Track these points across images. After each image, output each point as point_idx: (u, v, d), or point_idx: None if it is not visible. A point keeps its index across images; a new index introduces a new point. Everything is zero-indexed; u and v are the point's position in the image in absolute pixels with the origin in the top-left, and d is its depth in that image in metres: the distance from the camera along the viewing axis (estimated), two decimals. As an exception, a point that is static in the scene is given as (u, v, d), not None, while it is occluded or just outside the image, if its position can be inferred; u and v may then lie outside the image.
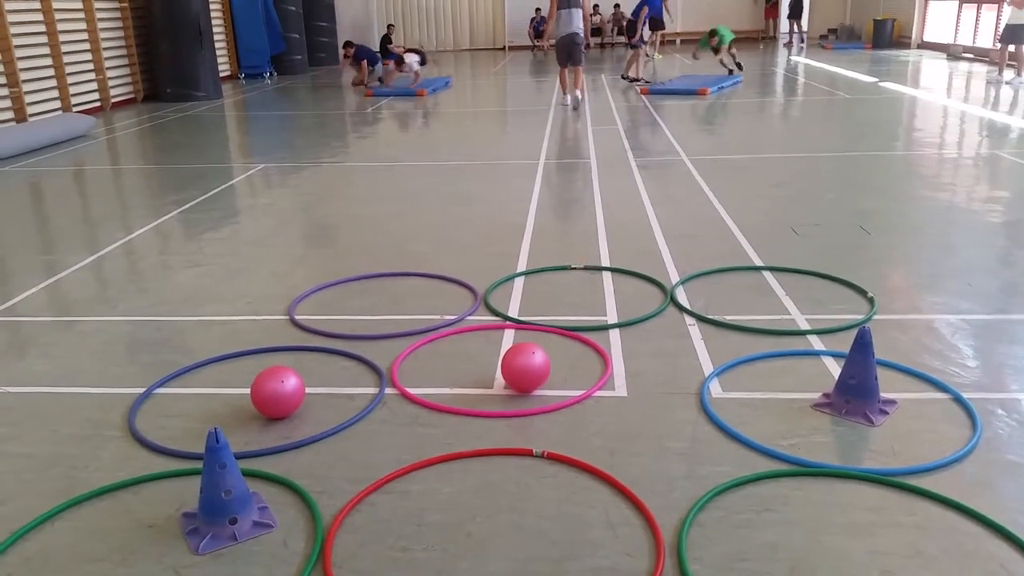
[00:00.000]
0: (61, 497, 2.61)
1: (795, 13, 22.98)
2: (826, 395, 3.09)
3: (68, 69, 11.63)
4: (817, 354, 3.50)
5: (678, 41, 24.04)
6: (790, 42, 23.10)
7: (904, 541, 2.30)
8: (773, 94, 13.39)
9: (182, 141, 9.98)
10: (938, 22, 20.10)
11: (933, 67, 16.19)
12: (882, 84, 13.39)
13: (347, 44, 15.07)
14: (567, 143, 9.06)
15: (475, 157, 8.41)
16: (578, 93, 11.46)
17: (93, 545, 2.39)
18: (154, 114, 12.28)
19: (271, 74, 17.41)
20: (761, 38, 25.10)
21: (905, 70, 15.71)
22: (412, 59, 13.40)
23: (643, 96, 12.57)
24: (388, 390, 3.29)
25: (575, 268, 4.69)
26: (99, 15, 12.55)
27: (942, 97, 11.95)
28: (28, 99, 10.69)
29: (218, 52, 15.33)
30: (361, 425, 3.04)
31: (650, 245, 5.09)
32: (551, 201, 6.49)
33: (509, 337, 3.79)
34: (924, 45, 20.40)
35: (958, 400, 3.05)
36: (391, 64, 13.85)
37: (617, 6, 23.88)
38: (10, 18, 10.37)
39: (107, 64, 12.76)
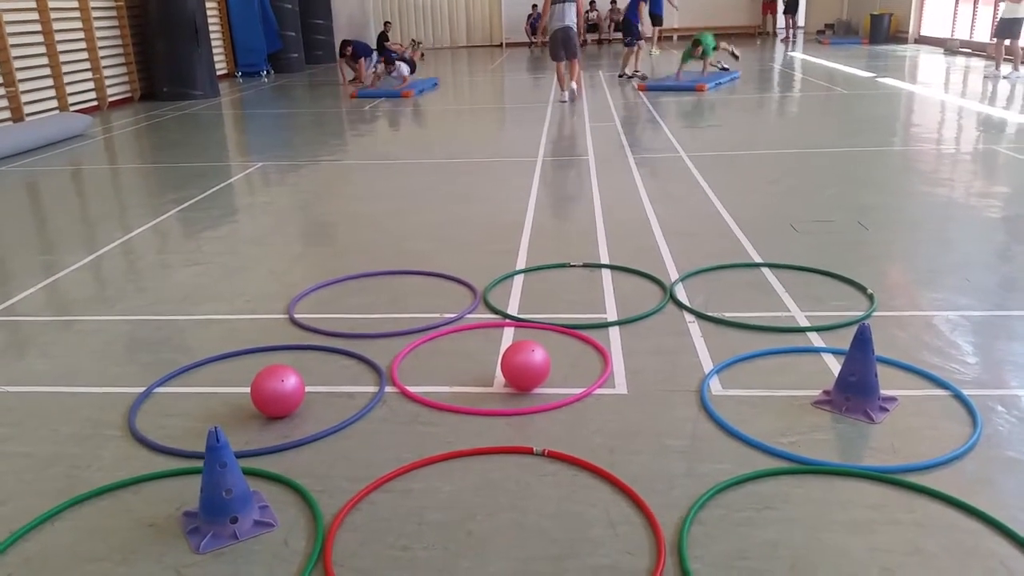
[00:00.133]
0: (61, 497, 2.61)
1: (791, 8, 23.00)
2: (826, 392, 3.09)
3: (64, 68, 11.60)
4: (817, 351, 3.50)
5: (675, 37, 24.02)
6: (787, 37, 23.10)
7: (904, 538, 2.30)
8: (771, 90, 13.39)
9: (180, 140, 9.97)
10: (935, 17, 20.11)
11: (930, 62, 16.19)
12: (879, 79, 13.39)
13: (345, 43, 15.03)
14: (565, 140, 9.06)
15: (473, 155, 8.41)
16: (574, 85, 11.57)
17: (93, 545, 2.39)
18: (151, 113, 12.26)
19: (268, 72, 17.39)
20: (758, 33, 25.09)
21: (902, 65, 15.71)
22: (403, 68, 13.27)
23: (640, 93, 12.56)
24: (388, 388, 3.29)
25: (574, 266, 4.69)
26: (95, 14, 12.52)
27: (939, 92, 11.95)
28: (25, 99, 10.66)
29: (215, 50, 15.31)
30: (361, 424, 3.04)
31: (649, 242, 5.09)
32: (550, 198, 6.49)
33: (509, 335, 3.79)
34: (921, 40, 20.40)
35: (958, 397, 3.05)
36: (380, 67, 13.69)
37: (614, 2, 23.84)
38: (6, 17, 10.34)
39: (103, 63, 12.73)
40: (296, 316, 4.06)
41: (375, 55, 15.63)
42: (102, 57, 12.68)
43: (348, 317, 4.08)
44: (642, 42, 14.63)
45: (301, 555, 2.32)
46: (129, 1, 13.45)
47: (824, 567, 2.21)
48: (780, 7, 23.64)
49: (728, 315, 3.87)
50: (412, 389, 3.25)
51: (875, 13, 20.97)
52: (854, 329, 3.00)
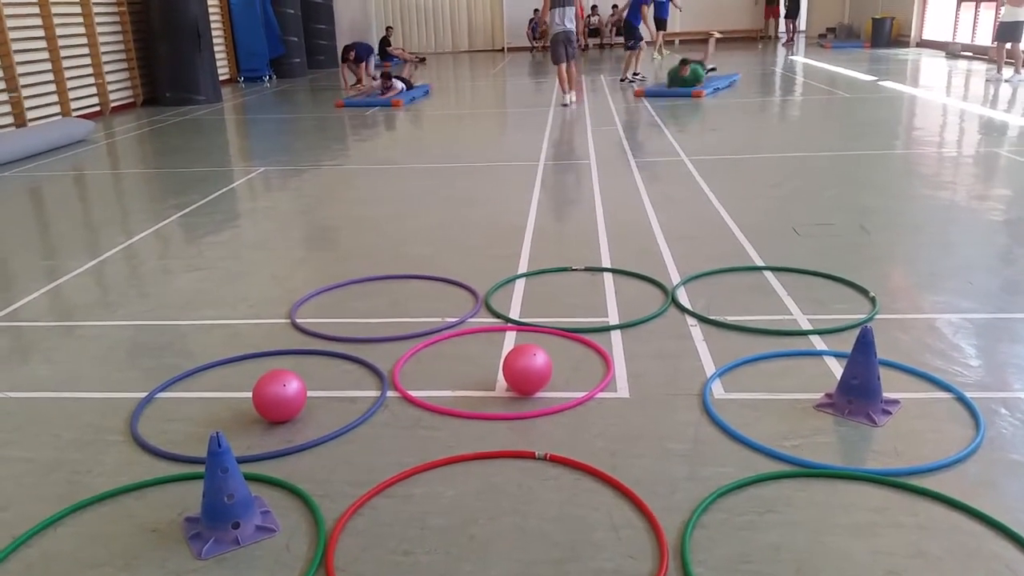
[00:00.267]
0: (63, 502, 2.61)
1: (792, 12, 23.02)
2: (828, 395, 3.08)
3: (67, 74, 11.63)
4: (819, 354, 3.50)
5: (677, 42, 24.04)
6: (789, 41, 23.12)
7: (907, 541, 2.30)
8: (772, 94, 13.39)
9: (182, 145, 9.98)
10: (937, 20, 20.10)
11: (932, 65, 16.18)
12: (881, 83, 13.39)
13: (347, 48, 15.01)
14: (567, 144, 9.06)
15: (475, 159, 8.41)
16: (573, 94, 11.87)
17: (95, 550, 2.39)
18: (153, 118, 12.28)
19: (270, 77, 17.41)
20: (760, 37, 25.11)
21: (904, 69, 15.71)
22: (398, 84, 13.14)
23: (640, 98, 12.51)
24: (390, 393, 3.29)
25: (576, 269, 4.69)
26: (98, 20, 12.55)
27: (941, 95, 11.94)
28: (27, 104, 10.69)
29: (217, 56, 15.33)
30: (363, 428, 3.04)
31: (651, 246, 5.09)
32: (551, 202, 6.49)
33: (510, 339, 3.78)
34: (923, 43, 20.39)
35: (961, 400, 3.04)
36: (377, 83, 13.53)
37: (615, 7, 23.87)
38: (9, 23, 10.37)
39: (106, 68, 12.76)
40: (298, 321, 4.06)
41: (375, 58, 15.61)
42: (105, 62, 12.71)
43: (350, 321, 4.08)
44: (643, 43, 14.59)
45: (303, 560, 2.32)
46: (132, 6, 13.48)
47: (827, 571, 2.20)
48: (782, 11, 23.65)
49: (730, 318, 3.87)
50: (414, 393, 3.25)
51: (877, 17, 20.96)
52: (856, 332, 3.00)
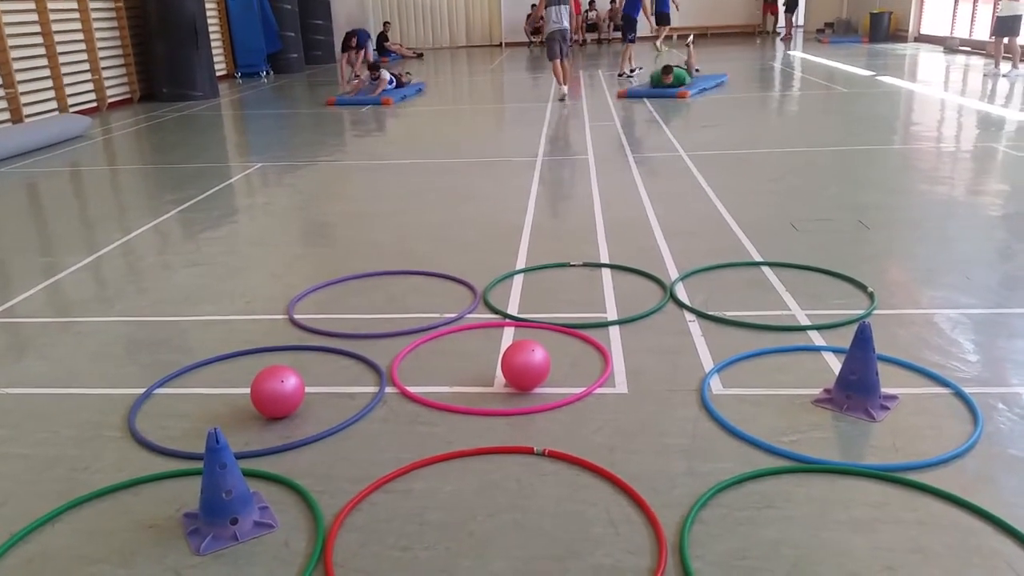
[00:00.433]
0: (61, 498, 2.61)
1: (791, 7, 23.00)
2: (827, 391, 3.08)
3: (64, 70, 11.60)
4: (817, 350, 3.50)
5: (675, 37, 24.00)
6: (787, 35, 23.10)
7: (906, 537, 2.30)
8: (770, 89, 13.37)
9: (179, 141, 9.96)
10: (935, 15, 20.09)
11: (930, 60, 16.18)
12: (879, 78, 13.38)
13: (349, 35, 14.81)
14: (565, 140, 9.05)
15: (473, 154, 8.40)
16: (565, 88, 12.06)
17: (94, 546, 2.39)
18: (151, 114, 12.26)
19: (267, 73, 17.38)
20: (758, 32, 25.08)
21: (902, 64, 15.70)
22: (385, 75, 12.99)
23: (622, 99, 12.19)
24: (388, 389, 3.28)
25: (574, 265, 4.68)
26: (94, 15, 12.52)
27: (939, 91, 11.94)
28: (24, 100, 10.66)
29: (214, 51, 15.31)
30: (361, 424, 3.03)
31: (649, 241, 5.09)
32: (549, 198, 6.49)
33: (509, 335, 3.78)
34: (921, 38, 20.38)
35: (959, 395, 3.04)
36: (365, 74, 13.20)
37: (613, 1, 23.83)
38: (5, 19, 10.34)
39: (103, 64, 12.73)
40: (296, 316, 4.05)
41: (373, 52, 15.50)
42: (101, 58, 12.68)
43: (348, 317, 4.07)
44: (633, 35, 14.52)
45: (302, 556, 2.31)
46: (128, 2, 13.45)
47: (826, 566, 2.20)
48: (781, 6, 23.62)
49: (728, 314, 3.86)
50: (412, 389, 3.25)
51: (875, 11, 20.94)
52: (855, 327, 3.00)
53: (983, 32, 17.12)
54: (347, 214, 6.24)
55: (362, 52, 14.74)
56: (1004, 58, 12.94)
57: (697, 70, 13.39)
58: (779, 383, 3.21)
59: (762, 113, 10.82)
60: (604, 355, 3.49)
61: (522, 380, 3.19)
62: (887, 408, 2.96)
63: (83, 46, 12.29)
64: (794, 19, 23.26)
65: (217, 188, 7.16)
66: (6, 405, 3.29)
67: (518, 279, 4.52)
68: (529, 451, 2.78)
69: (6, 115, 10.40)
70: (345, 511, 2.48)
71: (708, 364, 3.38)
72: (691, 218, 5.61)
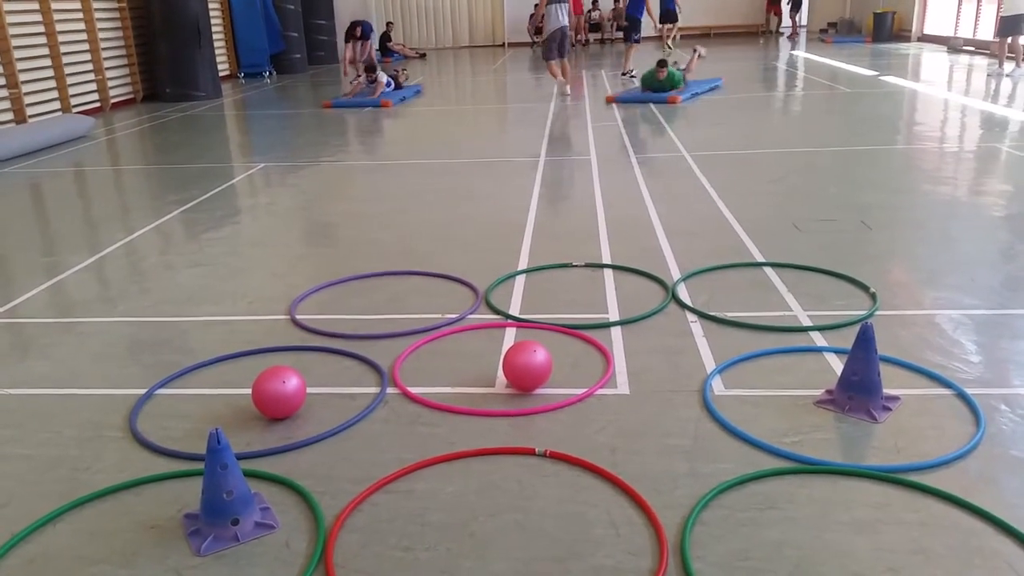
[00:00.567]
0: (63, 499, 2.61)
1: (795, 7, 22.99)
2: (829, 392, 3.08)
3: (67, 70, 11.62)
4: (819, 350, 3.49)
5: (678, 36, 23.99)
6: (793, 34, 23.07)
7: (908, 538, 2.29)
8: (773, 89, 13.36)
9: (182, 141, 9.98)
10: (938, 15, 20.06)
11: (933, 60, 16.16)
12: (882, 78, 13.36)
13: (354, 24, 14.70)
14: (567, 139, 9.05)
15: (475, 155, 8.40)
16: (568, 88, 12.27)
17: (95, 547, 2.39)
18: (154, 114, 12.27)
19: (270, 73, 17.39)
20: (761, 32, 25.06)
21: (905, 63, 15.68)
22: (382, 76, 12.89)
23: (611, 103, 11.95)
24: (389, 389, 3.28)
25: (576, 265, 4.68)
26: (98, 16, 12.54)
27: (943, 90, 11.92)
28: (27, 100, 10.67)
29: (217, 51, 15.32)
30: (363, 425, 3.03)
31: (651, 242, 5.08)
32: (551, 198, 6.48)
33: (510, 335, 3.78)
34: (924, 38, 20.36)
35: (961, 396, 3.04)
36: (362, 77, 12.99)
37: (617, 1, 23.83)
38: (9, 19, 10.36)
39: (106, 65, 12.75)
40: (298, 317, 4.05)
41: (377, 53, 15.43)
42: (105, 58, 12.70)
43: (349, 318, 4.07)
44: (638, 35, 14.52)
45: (303, 557, 2.31)
46: (132, 2, 13.46)
47: (828, 567, 2.20)
48: (785, 5, 23.59)
49: (730, 315, 3.86)
50: (414, 390, 3.25)
51: (878, 11, 20.91)
52: (857, 328, 3.00)
53: (987, 32, 17.10)
54: (349, 214, 6.24)
55: (368, 43, 14.69)
56: (1008, 58, 12.91)
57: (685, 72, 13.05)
58: (781, 384, 3.21)
59: (765, 113, 10.80)
60: (606, 356, 3.48)
61: (524, 381, 3.19)
62: (889, 409, 2.96)
63: (86, 46, 12.31)
64: (798, 19, 23.23)
65: (220, 188, 7.16)
66: (8, 405, 3.29)
67: (520, 279, 4.51)
68: (530, 452, 2.78)
69: (9, 115, 10.41)
70: (346, 512, 2.48)
71: (710, 365, 3.38)
72: (693, 218, 5.61)
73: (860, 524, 2.36)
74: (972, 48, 17.43)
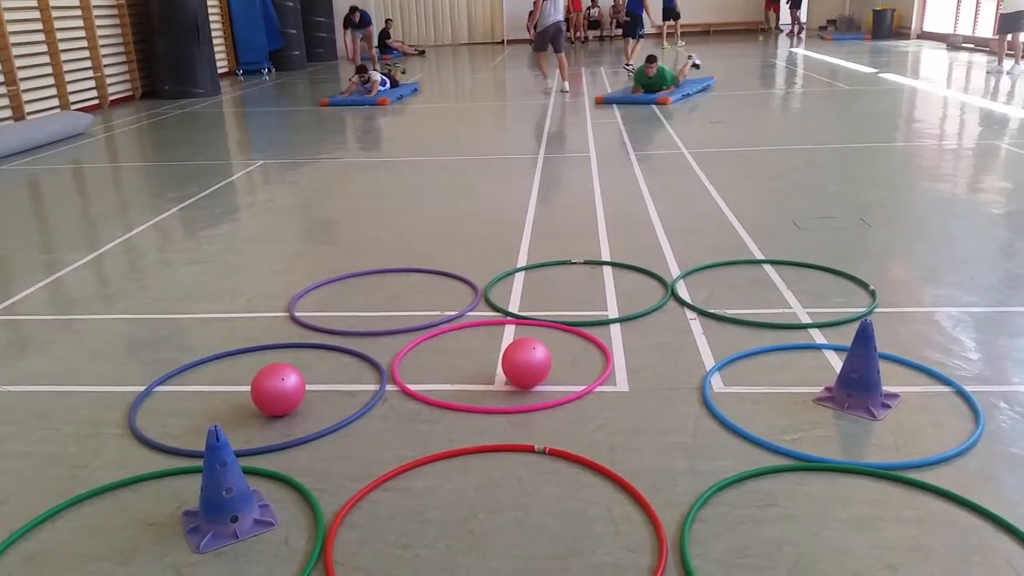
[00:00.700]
0: (61, 496, 2.61)
1: (795, 4, 22.96)
2: (828, 389, 3.08)
3: (66, 67, 11.60)
4: (819, 347, 3.49)
5: (679, 34, 23.95)
6: (793, 32, 23.05)
7: (907, 535, 2.29)
8: (773, 86, 13.35)
9: (181, 138, 9.96)
10: (938, 12, 20.05)
11: (933, 57, 16.15)
12: (882, 75, 13.36)
13: (353, 9, 14.55)
14: (566, 137, 9.04)
15: (474, 152, 8.40)
16: (567, 84, 12.39)
17: (94, 544, 2.39)
18: (153, 111, 12.26)
19: (269, 70, 17.37)
20: (761, 30, 25.04)
21: (905, 61, 15.67)
22: (375, 76, 12.64)
23: (600, 104, 11.70)
24: (389, 387, 3.28)
25: (575, 263, 4.68)
26: (96, 12, 12.52)
27: (942, 88, 11.92)
28: (26, 97, 10.66)
29: (216, 49, 15.29)
30: (362, 422, 3.03)
31: (650, 239, 5.08)
32: (551, 195, 6.48)
33: (510, 333, 3.78)
34: (924, 35, 20.35)
35: (960, 393, 3.04)
36: (356, 77, 12.72)
37: (616, -1, 23.82)
38: (7, 16, 10.34)
39: (105, 62, 12.73)
40: (297, 314, 4.05)
41: (375, 49, 15.31)
42: (103, 55, 12.68)
43: (349, 315, 4.07)
44: (642, 31, 14.54)
45: (302, 554, 2.31)
46: (130, -1, 13.46)
47: (827, 564, 2.20)
48: (784, 3, 23.55)
49: (730, 312, 3.86)
50: (413, 387, 3.25)
51: (877, 9, 20.90)
52: (856, 325, 2.99)
53: (986, 29, 17.09)
54: (348, 211, 6.24)
55: (369, 31, 14.60)
56: (1007, 55, 12.90)
57: (695, 66, 12.96)
58: (780, 381, 3.21)
59: (764, 110, 10.80)
60: (605, 353, 3.48)
61: (523, 378, 3.19)
62: (888, 406, 2.96)
63: (85, 43, 12.29)
64: (798, 16, 23.18)
65: (218, 185, 7.15)
66: (7, 402, 3.29)
67: (519, 277, 4.51)
68: (530, 449, 2.78)
69: (8, 112, 10.40)
70: (345, 509, 2.48)
71: (709, 362, 3.38)
72: (693, 215, 5.61)
73: (859, 521, 2.36)
74: (971, 45, 17.42)
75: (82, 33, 12.23)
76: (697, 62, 12.82)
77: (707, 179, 6.57)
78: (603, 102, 11.16)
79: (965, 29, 18.33)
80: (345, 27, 14.93)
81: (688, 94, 11.45)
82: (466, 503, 2.52)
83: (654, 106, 10.73)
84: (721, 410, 2.97)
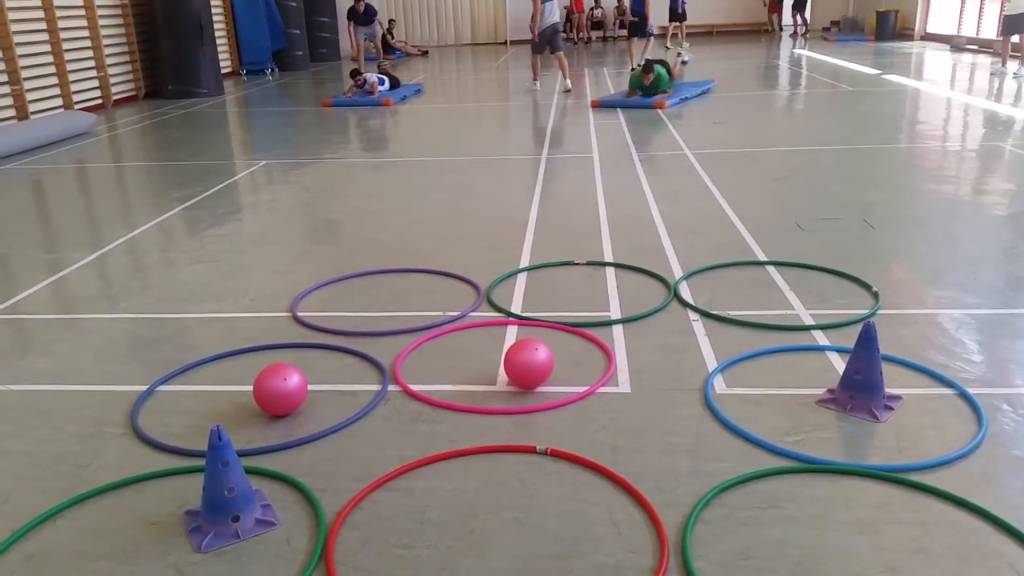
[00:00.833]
0: (63, 495, 2.61)
1: (799, 5, 22.94)
2: (831, 391, 3.07)
3: (69, 67, 11.62)
4: (822, 349, 3.49)
5: (682, 35, 23.93)
6: (795, 33, 23.04)
7: (909, 537, 2.29)
8: (776, 87, 13.34)
9: (184, 138, 9.97)
10: (941, 13, 20.02)
11: (936, 59, 16.12)
12: (885, 76, 13.34)
13: (357, 0, 14.40)
14: (569, 137, 9.04)
15: (477, 152, 8.39)
16: (569, 82, 12.66)
17: (96, 543, 2.39)
18: (156, 111, 12.27)
19: (272, 70, 17.39)
20: (764, 31, 25.02)
21: (908, 62, 15.65)
22: (371, 78, 12.50)
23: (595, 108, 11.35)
24: (391, 387, 3.28)
25: (578, 264, 4.67)
26: (100, 12, 12.53)
27: (945, 89, 11.90)
28: (30, 97, 10.68)
29: (219, 49, 15.30)
30: (364, 422, 3.03)
31: (653, 240, 5.08)
32: (553, 196, 6.47)
33: (512, 333, 3.77)
34: (927, 37, 20.32)
35: (963, 396, 3.03)
36: (352, 85, 12.54)
37: (620, 0, 23.80)
38: (11, 16, 10.36)
39: (108, 61, 12.75)
40: (299, 314, 4.05)
41: (376, 22, 15.09)
42: (107, 55, 12.69)
43: (351, 315, 4.07)
44: (650, 30, 14.54)
45: (303, 554, 2.31)
46: (134, -1, 13.48)
47: (829, 566, 2.19)
48: (786, 7, 23.53)
49: (732, 313, 3.85)
50: (415, 387, 3.25)
51: (881, 10, 20.87)
52: (859, 327, 2.99)
53: (990, 30, 17.07)
54: (351, 212, 6.24)
55: (374, 25, 14.55)
56: (1011, 56, 12.88)
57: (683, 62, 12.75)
58: (783, 383, 3.20)
59: (767, 111, 10.79)
60: (607, 354, 3.48)
61: (525, 379, 3.19)
62: (891, 408, 2.95)
63: (89, 43, 12.31)
64: (802, 17, 23.14)
65: (222, 185, 7.16)
66: (9, 401, 3.29)
67: (521, 277, 4.51)
68: (532, 450, 2.78)
69: (12, 112, 10.42)
70: (347, 509, 2.48)
71: (712, 363, 3.37)
72: (695, 217, 5.60)
73: (861, 523, 2.35)
74: (975, 47, 17.39)
75: (86, 33, 12.25)
76: (686, 59, 13.00)
77: (710, 180, 6.57)
78: (599, 106, 10.95)
79: (969, 31, 18.31)
80: (349, 19, 14.79)
81: (686, 98, 11.25)
82: (467, 503, 2.51)
83: (657, 107, 10.72)
84: (723, 411, 2.96)
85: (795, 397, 3.09)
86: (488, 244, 5.15)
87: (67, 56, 11.57)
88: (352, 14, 14.74)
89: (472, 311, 4.03)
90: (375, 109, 11.78)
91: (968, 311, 3.83)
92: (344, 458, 2.80)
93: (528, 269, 4.63)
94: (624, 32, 19.03)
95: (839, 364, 3.31)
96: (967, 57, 16.16)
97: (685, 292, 4.16)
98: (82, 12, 12.17)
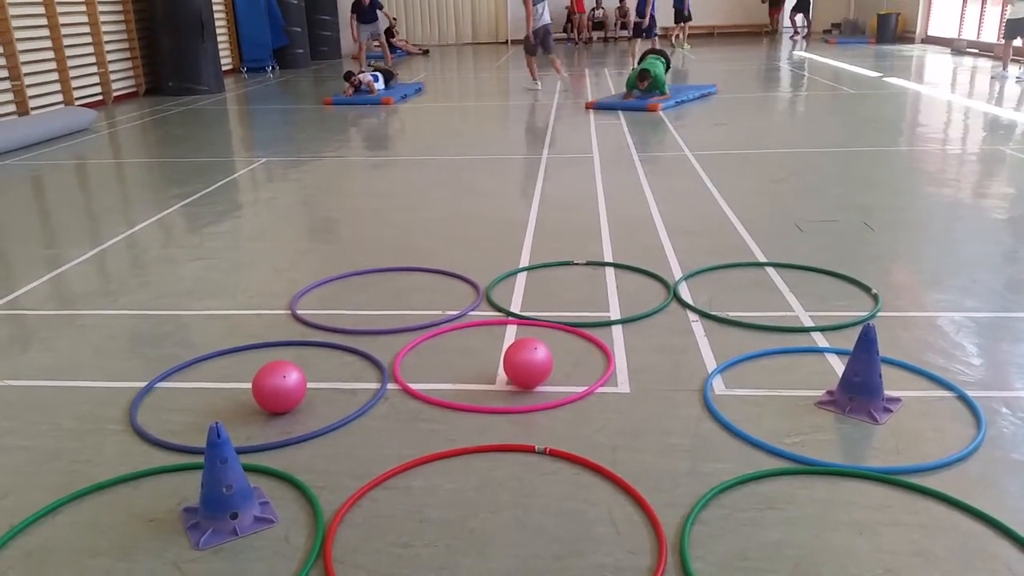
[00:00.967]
0: (62, 491, 2.61)
1: (801, 7, 22.94)
2: (830, 392, 3.07)
3: (70, 63, 11.61)
4: (821, 351, 3.49)
5: (683, 36, 23.93)
6: (797, 35, 23.04)
7: (908, 540, 2.29)
8: (776, 89, 13.35)
9: (184, 135, 9.97)
10: (942, 16, 20.03)
11: (937, 62, 16.13)
12: (886, 79, 13.34)
13: None
14: (569, 138, 9.03)
15: (477, 152, 8.39)
16: (564, 74, 13.45)
17: (94, 539, 2.39)
18: (156, 108, 12.27)
19: (273, 68, 17.38)
20: (765, 33, 25.03)
21: (909, 65, 15.66)
22: (366, 78, 12.42)
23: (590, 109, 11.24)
24: (390, 385, 3.28)
25: (578, 264, 4.67)
26: (100, 8, 12.52)
27: (946, 92, 11.90)
28: (30, 92, 10.67)
29: (220, 46, 15.29)
30: (363, 420, 3.03)
31: (653, 241, 5.08)
32: (553, 196, 6.47)
33: (511, 333, 3.77)
34: (928, 40, 20.33)
35: (963, 398, 3.03)
36: (348, 88, 12.40)
37: (622, 1, 23.79)
38: (12, 11, 10.35)
39: (109, 58, 12.74)
40: (299, 312, 4.05)
41: (380, 19, 15.02)
42: (107, 51, 12.68)
43: (350, 313, 4.07)
44: (654, 30, 14.63)
45: (302, 551, 2.31)
46: (135, -5, 13.47)
47: (827, 568, 2.19)
48: (786, 9, 23.53)
49: (732, 314, 3.85)
50: (414, 386, 3.25)
51: (882, 13, 20.88)
52: (859, 329, 2.99)
53: (991, 34, 17.08)
54: (351, 210, 6.24)
55: (378, 22, 14.52)
56: (1013, 60, 12.89)
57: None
58: (782, 384, 3.20)
59: (768, 113, 10.79)
60: (607, 354, 3.48)
61: (524, 378, 3.18)
62: (890, 411, 2.95)
63: (89, 39, 12.30)
64: (804, 18, 23.14)
65: (222, 183, 7.16)
66: (8, 397, 3.29)
67: (521, 277, 4.51)
68: (531, 449, 2.78)
69: (12, 108, 10.41)
70: (345, 507, 2.48)
71: (711, 364, 3.38)
72: (695, 218, 5.60)
73: (860, 525, 2.35)
74: (976, 50, 17.41)
75: (86, 29, 12.23)
76: (669, 55, 13.37)
77: (710, 181, 6.57)
78: (594, 107, 10.87)
79: (970, 34, 18.32)
80: (353, 11, 14.67)
81: (683, 101, 11.16)
82: (466, 503, 2.51)
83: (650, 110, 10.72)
84: (722, 412, 2.96)
85: (794, 399, 3.09)
86: (488, 243, 5.15)
87: (67, 52, 11.56)
88: (356, 7, 14.64)
89: (471, 310, 4.03)
90: (375, 108, 11.77)
91: (968, 314, 3.83)
92: (343, 456, 2.79)
93: (528, 269, 4.63)
94: (625, 33, 19.01)
95: (838, 366, 3.31)
96: (968, 60, 16.17)
97: (685, 293, 4.16)
98: (83, 8, 12.16)
